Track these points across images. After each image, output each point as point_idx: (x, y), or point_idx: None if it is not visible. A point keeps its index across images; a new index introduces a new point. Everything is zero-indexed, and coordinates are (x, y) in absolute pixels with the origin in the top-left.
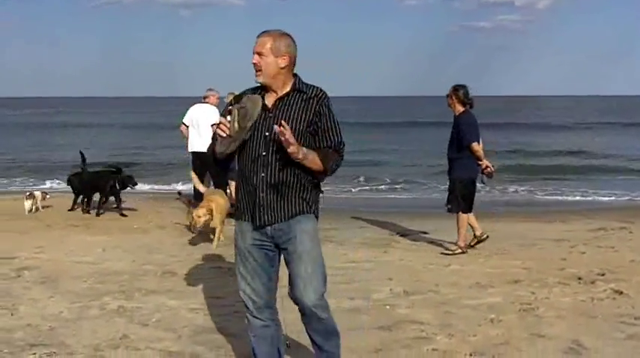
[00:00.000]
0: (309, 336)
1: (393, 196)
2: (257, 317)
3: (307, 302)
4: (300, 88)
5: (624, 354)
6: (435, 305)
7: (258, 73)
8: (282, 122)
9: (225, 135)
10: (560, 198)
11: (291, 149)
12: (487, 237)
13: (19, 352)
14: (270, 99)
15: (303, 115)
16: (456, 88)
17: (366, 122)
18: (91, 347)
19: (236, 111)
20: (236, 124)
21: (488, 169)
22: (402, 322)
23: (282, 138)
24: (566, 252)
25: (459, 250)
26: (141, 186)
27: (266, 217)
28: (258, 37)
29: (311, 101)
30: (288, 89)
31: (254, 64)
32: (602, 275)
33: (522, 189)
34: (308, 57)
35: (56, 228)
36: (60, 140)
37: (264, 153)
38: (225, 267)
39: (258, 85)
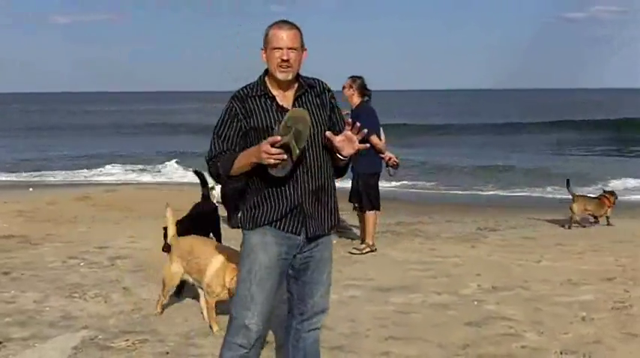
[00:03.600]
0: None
1: (479, 192)
2: (246, 348)
3: (326, 307)
4: (309, 83)
5: None
6: (525, 302)
7: (289, 69)
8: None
9: (284, 161)
10: None
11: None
12: (375, 250)
13: (112, 338)
14: (284, 99)
15: (323, 113)
16: (355, 78)
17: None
18: (182, 335)
19: (291, 135)
20: (297, 150)
21: (392, 160)
22: (490, 318)
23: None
24: None
25: (368, 248)
26: None
27: (312, 229)
28: (284, 30)
29: (323, 96)
30: (296, 85)
31: (286, 61)
32: None
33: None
34: (397, 52)
35: (149, 218)
36: None
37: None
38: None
39: (259, 82)
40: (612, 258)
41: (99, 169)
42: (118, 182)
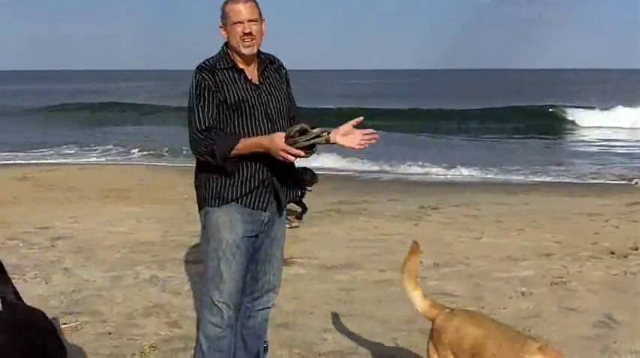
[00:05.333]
0: (246, 337)
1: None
2: (220, 327)
3: (277, 285)
4: (269, 58)
5: None
6: (466, 278)
7: (252, 42)
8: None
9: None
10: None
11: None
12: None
13: (52, 320)
14: (251, 72)
15: (283, 86)
16: None
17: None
18: (124, 315)
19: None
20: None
21: None
22: (432, 294)
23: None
24: (600, 226)
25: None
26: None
27: (282, 203)
28: (241, 3)
29: (281, 70)
30: (259, 59)
31: (249, 34)
32: (635, 249)
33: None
34: (334, 30)
35: (91, 198)
36: None
37: (270, 132)
38: None
39: (222, 55)
40: (550, 235)
41: (40, 151)
42: (58, 162)
